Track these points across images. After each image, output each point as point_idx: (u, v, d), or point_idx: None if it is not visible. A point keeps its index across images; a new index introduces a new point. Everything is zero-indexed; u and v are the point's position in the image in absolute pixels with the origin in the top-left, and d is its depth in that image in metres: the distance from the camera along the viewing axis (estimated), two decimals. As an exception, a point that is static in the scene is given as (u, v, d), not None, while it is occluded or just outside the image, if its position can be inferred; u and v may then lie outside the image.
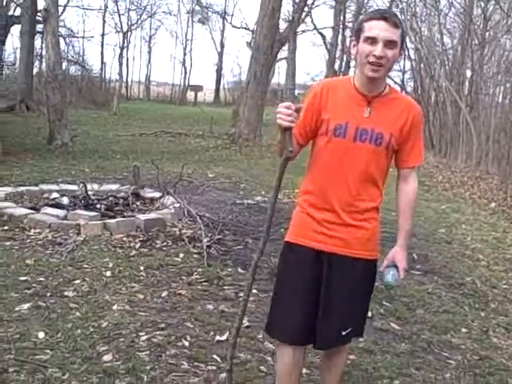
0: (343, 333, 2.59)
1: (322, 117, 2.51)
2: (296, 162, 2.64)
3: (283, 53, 28.76)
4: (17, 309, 3.82)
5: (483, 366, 3.72)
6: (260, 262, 4.96)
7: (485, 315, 4.66)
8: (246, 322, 3.84)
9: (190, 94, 41.41)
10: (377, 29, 2.38)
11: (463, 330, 4.28)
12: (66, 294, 4.15)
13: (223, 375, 3.11)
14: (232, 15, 44.14)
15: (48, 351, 3.27)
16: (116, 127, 18.03)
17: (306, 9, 19.14)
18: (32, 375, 3.00)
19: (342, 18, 29.47)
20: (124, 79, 36.96)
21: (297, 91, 31.84)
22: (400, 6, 23.42)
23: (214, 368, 3.27)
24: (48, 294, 4.11)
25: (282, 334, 2.62)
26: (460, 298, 4.95)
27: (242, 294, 4.00)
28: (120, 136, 15.53)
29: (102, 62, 34.25)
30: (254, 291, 4.45)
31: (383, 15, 2.40)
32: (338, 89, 2.55)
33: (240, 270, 4.96)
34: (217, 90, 44.00)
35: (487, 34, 19.12)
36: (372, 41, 2.38)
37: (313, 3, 20.48)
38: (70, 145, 11.92)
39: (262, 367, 3.33)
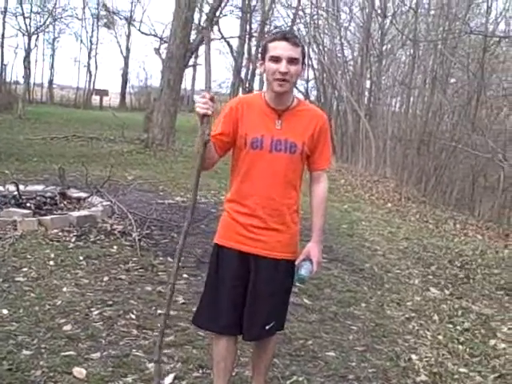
0: (267, 327, 2.83)
1: (239, 131, 2.74)
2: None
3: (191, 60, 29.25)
4: (-26, 292, 4.25)
5: (379, 331, 4.50)
6: (186, 253, 5.62)
7: (381, 293, 5.48)
8: (181, 300, 4.46)
9: (95, 98, 41.21)
10: (280, 49, 2.63)
11: (363, 304, 5.07)
12: (17, 279, 4.62)
13: (168, 338, 3.72)
14: (140, 22, 44.37)
15: (14, 323, 3.77)
16: (24, 130, 17.94)
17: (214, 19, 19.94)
18: (5, 341, 3.50)
19: (248, 27, 30.28)
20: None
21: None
22: (303, 20, 24.63)
23: (160, 334, 3.85)
24: (1, 280, 4.55)
25: (212, 324, 2.88)
26: (360, 281, 5.76)
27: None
28: (31, 140, 15.54)
29: (3, 64, 33.37)
30: (185, 275, 5.08)
31: (285, 36, 2.66)
32: (252, 105, 2.79)
33: (170, 259, 5.54)
34: (123, 95, 43.95)
35: (384, 47, 20.54)
36: (276, 59, 2.63)
37: (220, 13, 21.26)
38: (-17, 148, 11.97)
39: (200, 332, 3.93)
